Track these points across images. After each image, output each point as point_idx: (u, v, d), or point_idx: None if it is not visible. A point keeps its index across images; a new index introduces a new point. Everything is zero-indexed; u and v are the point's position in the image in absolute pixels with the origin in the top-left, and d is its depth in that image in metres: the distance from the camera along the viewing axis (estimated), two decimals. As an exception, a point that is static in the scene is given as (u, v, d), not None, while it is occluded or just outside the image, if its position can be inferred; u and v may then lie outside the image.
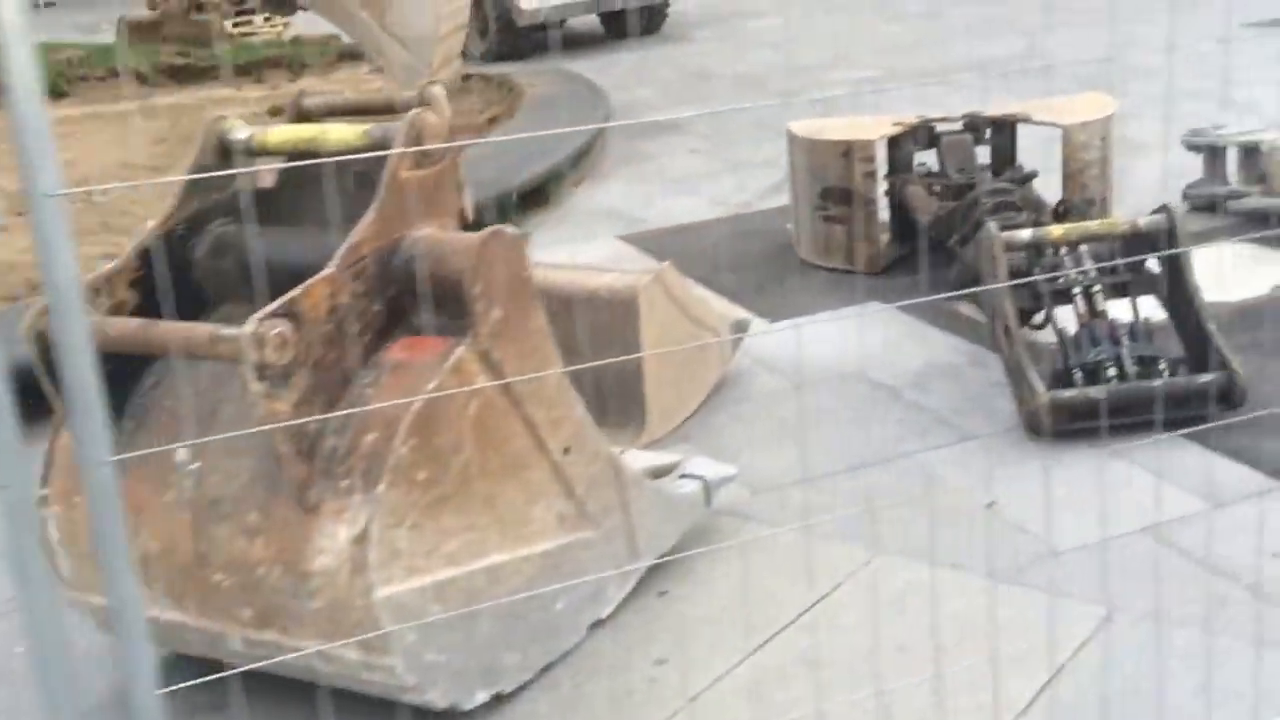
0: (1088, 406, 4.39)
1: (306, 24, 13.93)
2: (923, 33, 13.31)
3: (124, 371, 3.32)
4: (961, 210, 5.63)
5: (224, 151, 3.48)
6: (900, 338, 5.49)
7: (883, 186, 6.47)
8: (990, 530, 3.99)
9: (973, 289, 4.86)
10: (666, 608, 3.75)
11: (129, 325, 3.10)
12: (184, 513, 3.16)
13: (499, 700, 3.34)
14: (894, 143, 6.44)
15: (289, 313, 2.91)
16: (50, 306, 1.91)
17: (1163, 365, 4.48)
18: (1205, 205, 6.63)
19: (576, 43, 14.96)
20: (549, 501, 3.42)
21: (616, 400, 4.70)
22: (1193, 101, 7.97)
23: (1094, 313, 4.68)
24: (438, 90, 3.65)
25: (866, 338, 5.52)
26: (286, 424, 2.90)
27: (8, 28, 1.79)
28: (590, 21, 15.42)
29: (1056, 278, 4.80)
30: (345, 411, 3.00)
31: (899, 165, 6.47)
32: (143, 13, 16.52)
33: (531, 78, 11.66)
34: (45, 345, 2.98)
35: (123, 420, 3.31)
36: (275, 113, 10.56)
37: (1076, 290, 4.76)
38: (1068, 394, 4.42)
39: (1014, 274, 4.79)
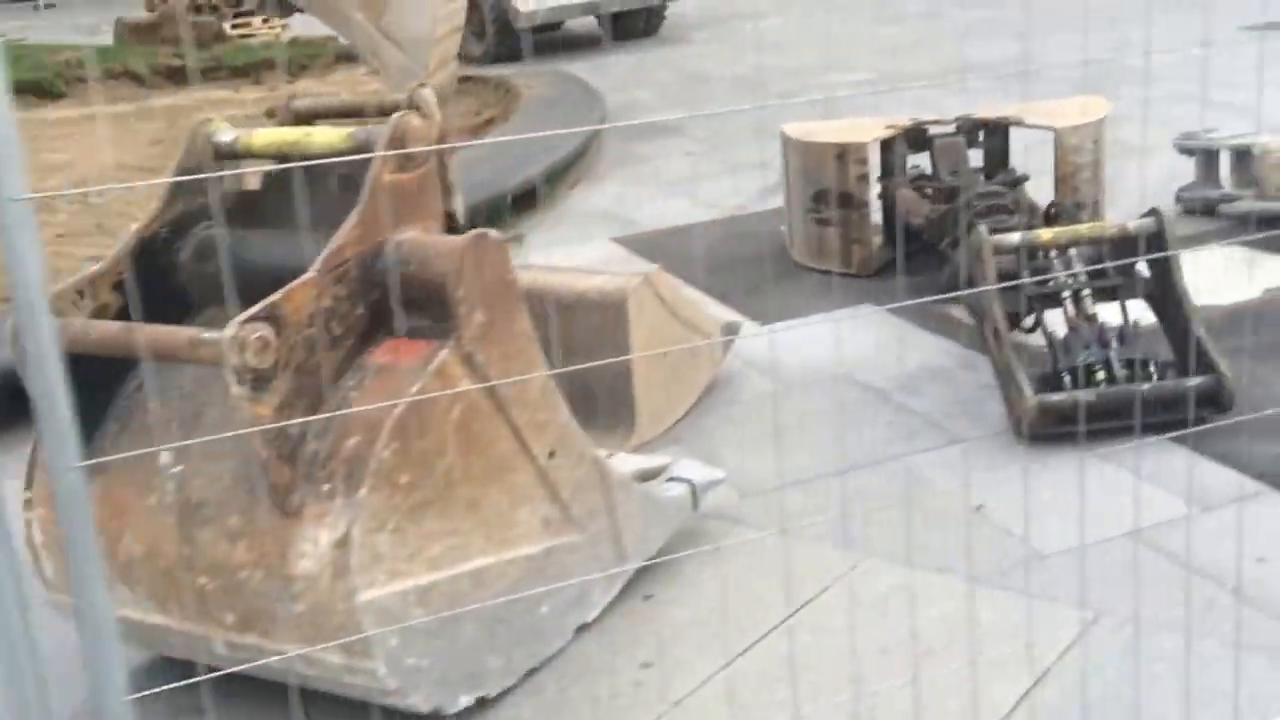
0: (1076, 410, 4.37)
1: (305, 26, 13.93)
2: (921, 35, 13.31)
3: (109, 374, 3.33)
4: (953, 213, 5.63)
5: (209, 154, 3.48)
6: (891, 340, 5.49)
7: (875, 189, 6.47)
8: (977, 534, 3.99)
9: (962, 292, 4.86)
10: (652, 611, 3.76)
11: (111, 329, 3.10)
12: (167, 516, 3.16)
13: (483, 704, 3.34)
14: (887, 145, 6.45)
15: (270, 316, 2.91)
16: (17, 312, 1.91)
17: (1151, 369, 4.48)
18: (1198, 208, 6.64)
19: (574, 45, 14.97)
20: (534, 505, 3.42)
21: (606, 403, 4.71)
22: (1188, 105, 7.97)
23: (1083, 316, 4.68)
24: (427, 93, 3.65)
25: (857, 340, 5.52)
26: (268, 427, 2.90)
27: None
28: (588, 23, 15.43)
29: (1046, 281, 4.80)
30: (326, 415, 3.00)
31: (892, 168, 6.47)
32: (140, 14, 16.54)
33: (528, 80, 11.67)
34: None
35: (107, 423, 3.31)
36: (272, 114, 10.56)
37: (1066, 294, 4.76)
38: (1056, 397, 4.42)
39: (1003, 277, 4.78)
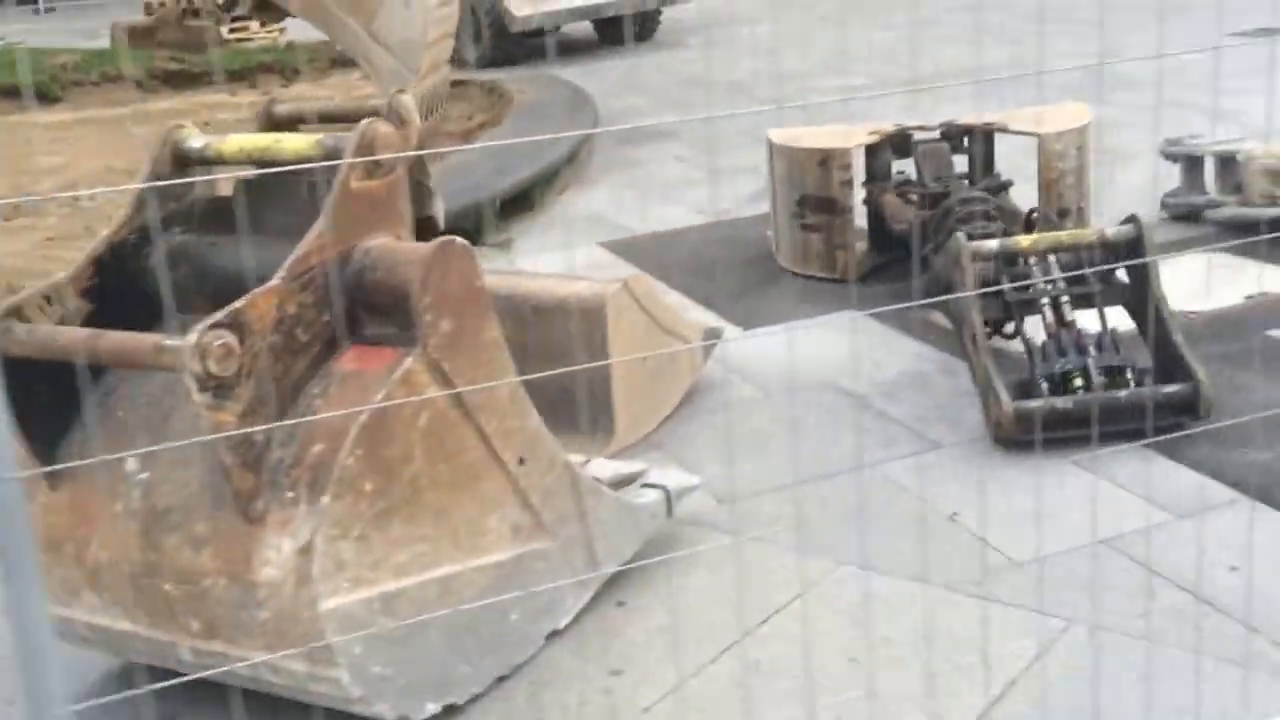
0: (1053, 417, 4.38)
1: (302, 30, 13.94)
2: (914, 40, 13.30)
3: (78, 380, 3.32)
4: (935, 219, 5.63)
5: (179, 160, 3.48)
6: (873, 346, 5.49)
7: (861, 195, 6.47)
8: (951, 541, 3.99)
9: (940, 298, 4.86)
10: (625, 618, 3.75)
11: (76, 335, 3.10)
12: (134, 522, 3.16)
13: (451, 711, 3.34)
14: (872, 151, 6.44)
15: (233, 323, 2.90)
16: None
17: (1129, 376, 4.48)
18: (1183, 214, 6.64)
19: (570, 49, 14.97)
20: (503, 512, 3.42)
21: (586, 408, 4.70)
22: (1178, 110, 7.97)
23: (1062, 323, 4.68)
24: (406, 99, 3.64)
25: (840, 346, 5.52)
26: (230, 435, 2.90)
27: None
28: (583, 28, 15.43)
29: (1025, 287, 4.80)
30: (290, 422, 3.00)
31: (877, 174, 6.47)
32: (138, 18, 16.54)
33: (521, 84, 11.67)
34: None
35: (75, 430, 3.31)
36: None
37: (1044, 300, 4.75)
38: (1033, 404, 4.42)
39: (983, 283, 4.79)
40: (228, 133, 3.76)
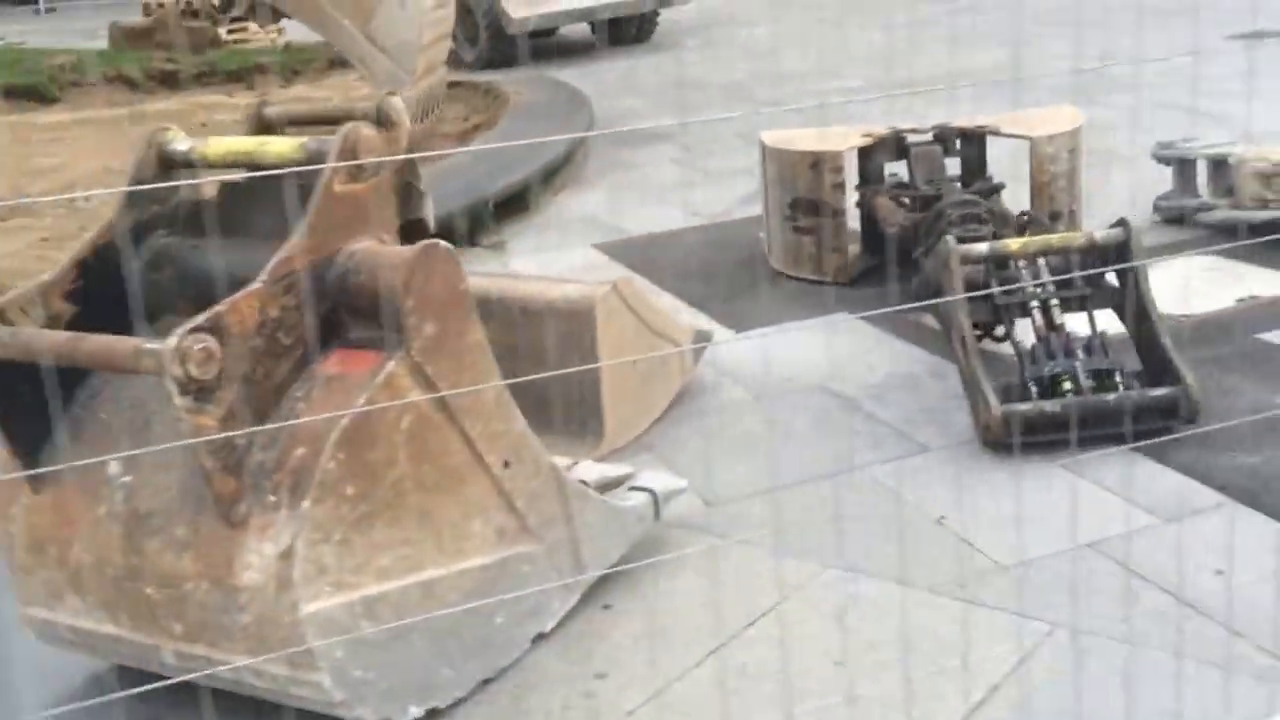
0: (1042, 420, 4.38)
1: (300, 31, 13.95)
2: (912, 42, 13.30)
3: (61, 383, 3.32)
4: (926, 222, 5.63)
5: (164, 163, 3.48)
6: (864, 349, 5.49)
7: (853, 197, 6.47)
8: (937, 545, 3.98)
9: (929, 301, 4.85)
10: (611, 621, 3.75)
11: (58, 338, 3.10)
12: (116, 526, 3.16)
13: (434, 715, 3.33)
14: (864, 153, 6.44)
15: (214, 327, 2.90)
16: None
17: (1117, 379, 4.48)
18: (1175, 217, 6.64)
19: (568, 51, 14.97)
20: (488, 516, 3.41)
21: (575, 411, 4.71)
22: (1174, 113, 7.97)
23: (1051, 326, 4.67)
24: (396, 101, 3.65)
25: (830, 348, 5.51)
26: (211, 439, 2.90)
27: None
28: (581, 29, 15.43)
29: (1014, 290, 4.79)
30: (271, 426, 3.00)
31: (869, 176, 6.46)
32: (136, 19, 16.56)
33: (517, 85, 11.67)
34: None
35: (59, 432, 3.31)
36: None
37: (1034, 304, 4.75)
38: (1022, 407, 4.42)
39: (972, 286, 4.78)
40: (219, 134, 3.76)
